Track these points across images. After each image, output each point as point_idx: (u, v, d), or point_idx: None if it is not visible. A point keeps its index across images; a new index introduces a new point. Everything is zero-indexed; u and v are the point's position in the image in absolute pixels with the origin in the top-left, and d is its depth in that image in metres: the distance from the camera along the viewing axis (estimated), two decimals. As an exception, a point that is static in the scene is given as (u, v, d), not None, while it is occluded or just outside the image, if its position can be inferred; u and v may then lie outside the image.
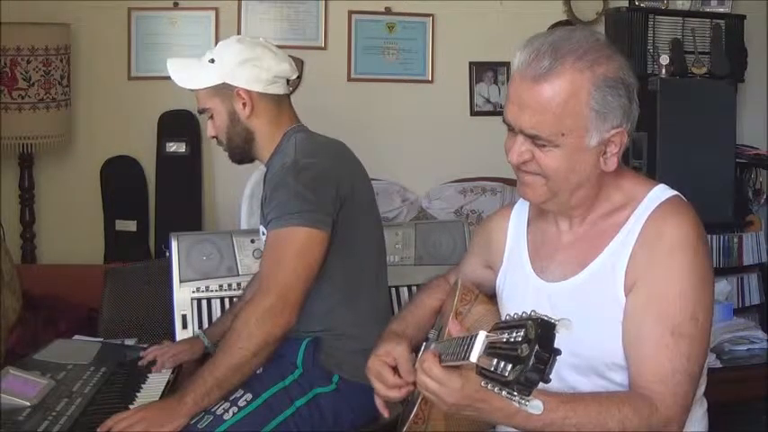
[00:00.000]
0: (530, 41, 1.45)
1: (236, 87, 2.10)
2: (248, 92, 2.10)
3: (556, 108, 1.41)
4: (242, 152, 2.17)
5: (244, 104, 2.10)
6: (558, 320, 1.05)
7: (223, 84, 2.10)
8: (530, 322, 1.05)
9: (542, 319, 1.05)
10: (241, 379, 1.94)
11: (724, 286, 3.53)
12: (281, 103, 2.16)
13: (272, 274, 1.95)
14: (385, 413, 1.65)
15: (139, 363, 2.26)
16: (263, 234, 2.08)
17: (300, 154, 2.06)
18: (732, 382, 2.86)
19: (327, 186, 2.03)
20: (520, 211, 1.70)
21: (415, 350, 1.69)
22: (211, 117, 2.15)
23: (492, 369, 1.08)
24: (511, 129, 1.48)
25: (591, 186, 1.51)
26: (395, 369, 1.60)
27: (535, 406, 1.07)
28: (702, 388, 1.56)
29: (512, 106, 1.46)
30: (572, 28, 1.51)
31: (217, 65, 2.11)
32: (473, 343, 1.15)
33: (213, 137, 2.19)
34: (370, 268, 2.18)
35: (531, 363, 1.03)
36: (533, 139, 1.45)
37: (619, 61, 1.45)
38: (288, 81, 2.18)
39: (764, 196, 3.97)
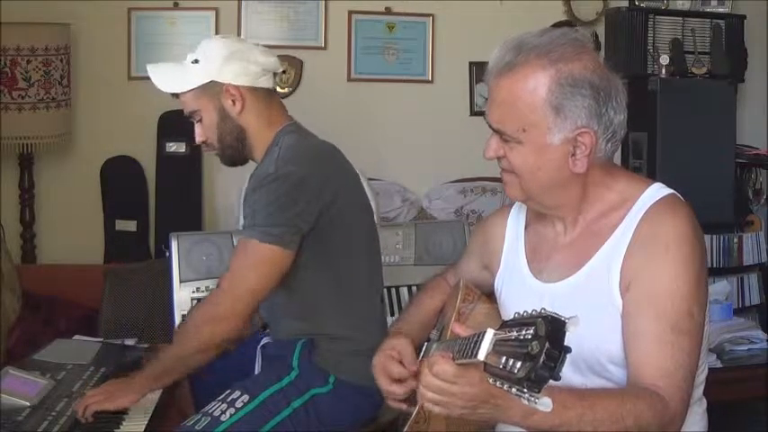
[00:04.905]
0: (506, 40, 1.46)
1: (224, 84, 2.03)
2: (237, 87, 2.04)
3: (515, 102, 1.42)
4: (234, 152, 2.11)
5: (233, 101, 2.04)
6: (568, 318, 1.05)
7: (211, 82, 2.04)
8: (540, 320, 1.05)
9: (552, 317, 1.05)
10: (187, 370, 2.00)
11: (724, 286, 3.52)
12: (270, 98, 2.11)
13: (228, 282, 1.98)
14: (403, 407, 1.63)
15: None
16: None
17: (282, 161, 2.00)
18: (732, 382, 2.86)
19: (302, 198, 1.97)
20: (518, 213, 1.70)
21: (418, 349, 1.69)
22: (199, 120, 2.09)
23: (501, 366, 1.07)
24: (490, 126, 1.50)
25: (565, 187, 1.50)
26: (400, 363, 1.61)
27: (544, 403, 1.06)
28: (702, 387, 1.57)
29: (487, 103, 1.49)
30: (551, 28, 1.51)
31: (202, 64, 2.05)
32: (481, 341, 1.15)
33: (202, 142, 2.11)
34: (362, 271, 2.15)
35: (541, 360, 1.02)
36: (501, 134, 1.46)
37: (588, 62, 1.43)
38: (275, 75, 2.12)
39: (764, 196, 3.98)
